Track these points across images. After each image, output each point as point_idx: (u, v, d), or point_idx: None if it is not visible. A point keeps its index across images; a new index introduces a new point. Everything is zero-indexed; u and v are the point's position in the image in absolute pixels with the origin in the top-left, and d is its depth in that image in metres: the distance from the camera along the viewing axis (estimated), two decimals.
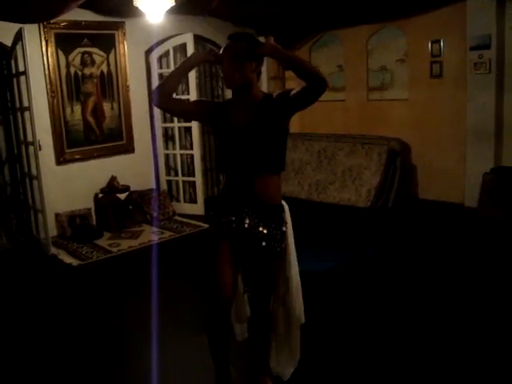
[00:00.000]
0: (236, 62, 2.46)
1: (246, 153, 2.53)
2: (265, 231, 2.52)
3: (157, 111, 6.99)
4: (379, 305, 3.99)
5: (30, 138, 5.54)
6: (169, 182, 7.30)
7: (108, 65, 6.48)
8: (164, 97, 2.59)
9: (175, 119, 7.00)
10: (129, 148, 6.70)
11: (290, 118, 2.57)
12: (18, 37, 5.33)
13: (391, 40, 6.93)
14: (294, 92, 2.43)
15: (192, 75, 6.56)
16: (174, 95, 2.70)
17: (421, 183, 6.88)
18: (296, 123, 8.20)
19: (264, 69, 7.31)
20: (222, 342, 2.61)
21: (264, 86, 7.44)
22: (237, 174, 2.59)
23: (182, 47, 6.83)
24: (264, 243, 2.51)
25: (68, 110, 6.19)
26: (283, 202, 2.67)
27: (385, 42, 7.00)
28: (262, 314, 2.68)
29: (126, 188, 6.47)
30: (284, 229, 2.58)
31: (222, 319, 2.53)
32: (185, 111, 2.81)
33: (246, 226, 2.52)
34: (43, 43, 5.89)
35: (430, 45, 6.49)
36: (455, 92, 6.34)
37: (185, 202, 7.22)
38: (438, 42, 6.40)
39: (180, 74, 2.66)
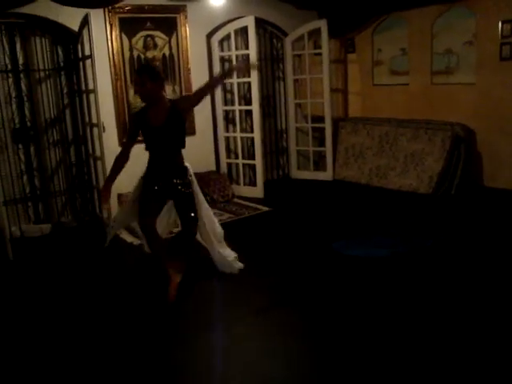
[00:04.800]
0: (144, 87, 3.95)
1: (163, 141, 4.07)
2: (179, 181, 4.12)
3: (218, 94, 7.04)
4: (434, 296, 3.89)
5: (94, 120, 5.69)
6: (229, 165, 7.35)
7: (170, 48, 6.56)
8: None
9: (236, 101, 7.04)
10: (189, 130, 6.75)
11: (188, 113, 4.40)
12: (85, 22, 5.46)
13: (458, 21, 6.65)
14: (193, 94, 4.40)
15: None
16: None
17: (487, 171, 6.62)
18: (357, 107, 8.08)
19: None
20: (153, 240, 4.21)
21: (325, 68, 7.33)
22: (158, 153, 4.16)
23: (244, 30, 6.82)
24: (182, 188, 4.13)
25: (131, 93, 6.31)
26: (186, 164, 4.23)
27: (452, 23, 6.72)
28: (191, 228, 4.16)
29: None
30: (190, 178, 4.21)
31: (149, 228, 4.17)
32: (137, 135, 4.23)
33: (174, 182, 4.11)
34: (108, 27, 6.03)
35: (500, 25, 6.20)
36: None
37: (244, 184, 7.26)
38: (510, 21, 6.09)
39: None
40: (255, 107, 6.81)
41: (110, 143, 5.96)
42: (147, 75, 3.95)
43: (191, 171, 4.27)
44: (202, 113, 6.87)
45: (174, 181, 4.11)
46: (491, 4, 6.23)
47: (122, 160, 4.28)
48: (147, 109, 4.09)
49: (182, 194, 4.14)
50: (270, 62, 7.82)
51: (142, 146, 4.21)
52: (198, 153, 6.82)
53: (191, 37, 6.68)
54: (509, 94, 6.24)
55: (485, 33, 6.39)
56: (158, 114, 4.00)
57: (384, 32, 7.59)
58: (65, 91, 6.13)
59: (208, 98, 6.97)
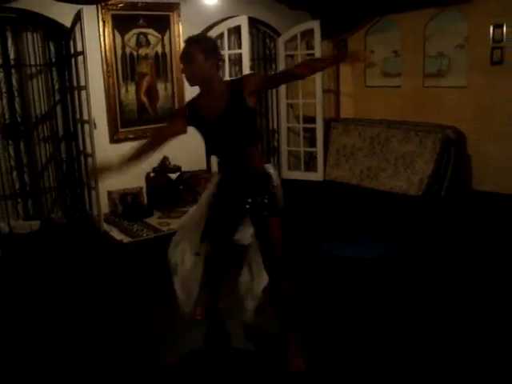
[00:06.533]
0: (191, 64, 2.86)
1: (225, 140, 2.92)
2: (258, 200, 2.94)
3: None
4: (423, 297, 3.91)
5: (85, 117, 5.68)
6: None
7: (163, 46, 6.55)
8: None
9: None
10: None
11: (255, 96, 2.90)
12: (77, 18, 5.45)
13: (450, 25, 6.69)
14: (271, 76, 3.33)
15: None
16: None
17: (476, 174, 6.67)
18: (349, 108, 8.10)
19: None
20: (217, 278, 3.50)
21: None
22: (223, 157, 3.10)
23: (237, 30, 6.82)
24: (260, 211, 2.97)
25: (123, 90, 6.30)
26: (270, 170, 2.99)
27: (444, 26, 6.76)
28: (276, 281, 3.10)
29: (177, 168, 6.55)
30: (273, 191, 2.97)
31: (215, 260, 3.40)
32: (178, 133, 3.05)
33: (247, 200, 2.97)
34: (100, 24, 6.00)
35: (491, 29, 6.24)
36: None
37: None
38: (501, 26, 6.13)
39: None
40: None
41: (100, 140, 5.95)
42: (197, 47, 2.86)
43: (275, 178, 2.99)
44: None
45: (247, 199, 2.95)
46: (483, 8, 6.27)
47: (146, 149, 3.15)
48: (199, 97, 3.02)
49: (261, 219, 2.95)
50: (263, 61, 7.81)
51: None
52: (188, 151, 6.79)
53: (184, 35, 6.65)
54: (499, 98, 6.29)
55: (476, 37, 6.43)
56: (213, 104, 2.91)
57: (377, 34, 7.62)
58: (56, 87, 6.09)
59: None
